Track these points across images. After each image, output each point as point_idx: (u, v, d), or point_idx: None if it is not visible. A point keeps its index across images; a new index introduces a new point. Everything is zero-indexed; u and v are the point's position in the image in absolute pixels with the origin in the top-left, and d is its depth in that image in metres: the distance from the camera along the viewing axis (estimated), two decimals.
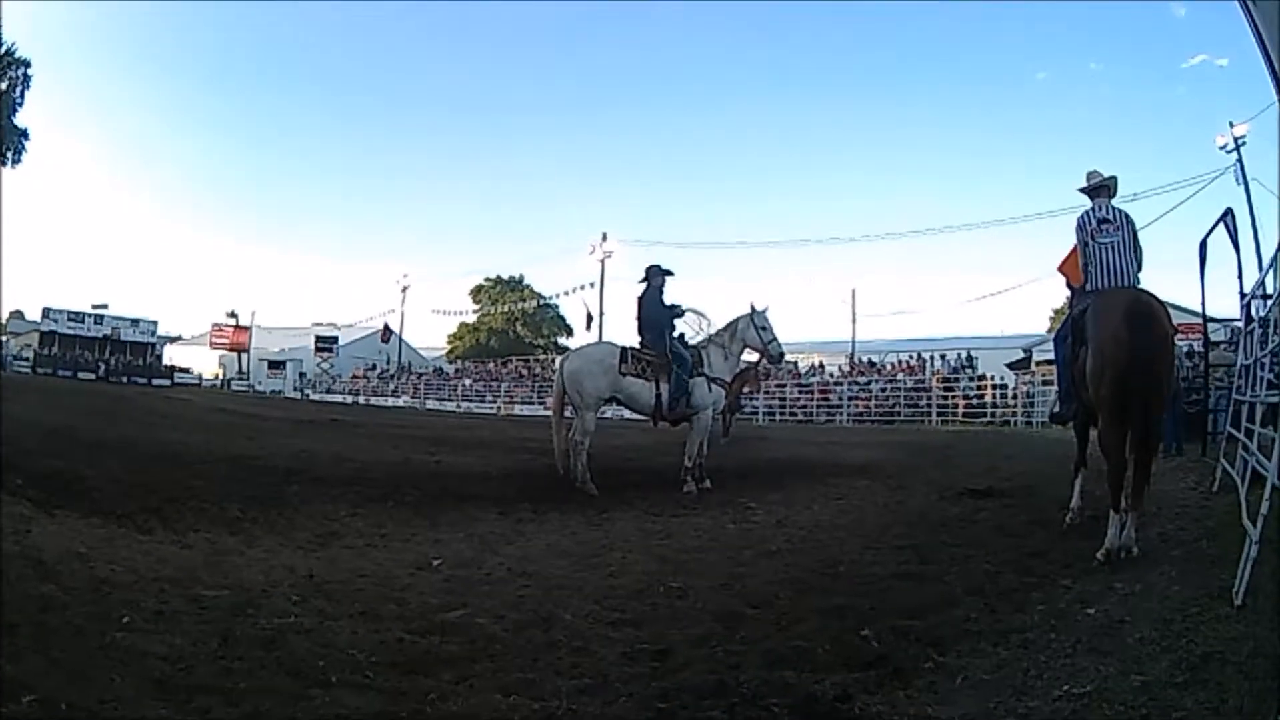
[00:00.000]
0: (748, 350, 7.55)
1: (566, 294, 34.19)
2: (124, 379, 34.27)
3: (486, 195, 68.84)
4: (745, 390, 14.72)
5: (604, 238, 31.37)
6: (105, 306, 40.25)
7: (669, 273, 7.26)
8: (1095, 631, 2.57)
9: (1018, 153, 56.48)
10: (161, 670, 2.18)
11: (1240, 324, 7.06)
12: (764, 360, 7.77)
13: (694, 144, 61.92)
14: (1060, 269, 4.86)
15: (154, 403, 17.63)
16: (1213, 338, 9.41)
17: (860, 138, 58.15)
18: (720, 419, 12.94)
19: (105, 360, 36.88)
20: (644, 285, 7.25)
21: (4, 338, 38.53)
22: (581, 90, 63.12)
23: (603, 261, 31.04)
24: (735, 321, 7.37)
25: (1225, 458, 5.22)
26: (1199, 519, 4.21)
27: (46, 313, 38.40)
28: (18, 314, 42.94)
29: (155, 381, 35.20)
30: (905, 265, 68.08)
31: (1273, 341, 4.84)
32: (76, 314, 38.88)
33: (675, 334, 7.14)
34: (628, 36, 60.29)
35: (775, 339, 7.38)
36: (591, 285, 31.19)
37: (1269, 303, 5.26)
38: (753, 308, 7.36)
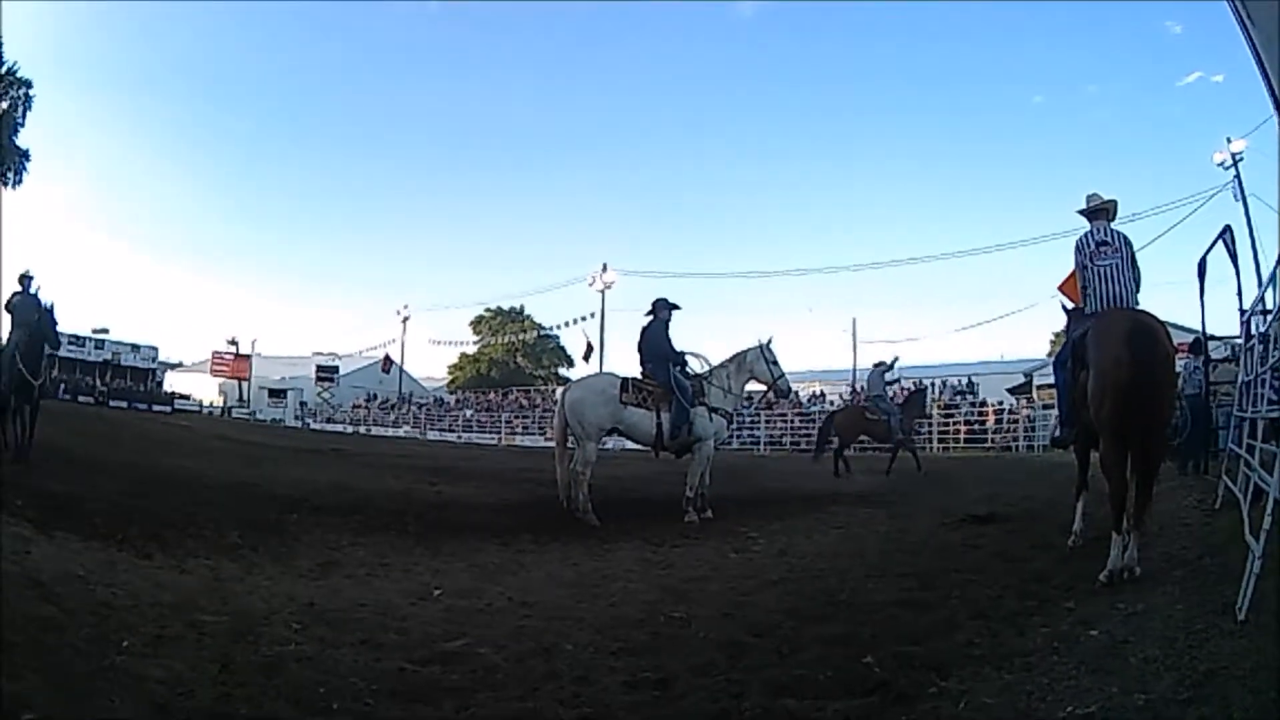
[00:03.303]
0: (753, 382, 7.51)
1: (567, 325, 34.02)
2: (124, 404, 34.09)
3: (487, 226, 69.60)
4: (916, 418, 13.99)
5: (604, 268, 31.47)
6: (106, 331, 40.25)
7: (676, 306, 7.30)
8: (1098, 652, 2.56)
9: (1016, 176, 56.95)
10: (161, 694, 2.18)
11: (1240, 341, 7.05)
12: (770, 393, 7.66)
13: (694, 175, 62.75)
14: (1060, 288, 4.93)
15: (154, 428, 17.67)
16: (1213, 355, 9.30)
17: (858, 165, 58.69)
18: (891, 452, 12.06)
19: (105, 384, 36.80)
20: (650, 318, 7.28)
21: None
22: (581, 122, 64.23)
23: (603, 292, 31.02)
24: (744, 353, 7.35)
25: (1227, 474, 5.21)
26: (1202, 537, 4.19)
27: None
28: None
29: (155, 407, 34.94)
30: (905, 292, 68.52)
31: (1273, 357, 4.84)
32: (77, 337, 38.75)
33: (678, 365, 7.13)
34: (627, 69, 61.58)
35: (783, 373, 7.40)
36: (592, 316, 31.21)
37: (1269, 318, 5.28)
38: (760, 340, 7.34)
